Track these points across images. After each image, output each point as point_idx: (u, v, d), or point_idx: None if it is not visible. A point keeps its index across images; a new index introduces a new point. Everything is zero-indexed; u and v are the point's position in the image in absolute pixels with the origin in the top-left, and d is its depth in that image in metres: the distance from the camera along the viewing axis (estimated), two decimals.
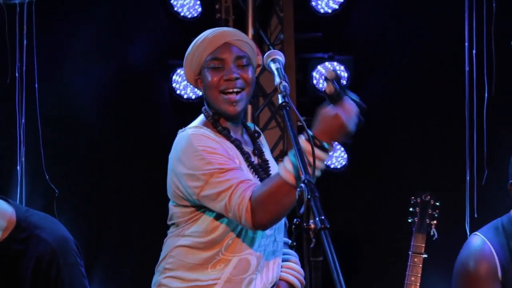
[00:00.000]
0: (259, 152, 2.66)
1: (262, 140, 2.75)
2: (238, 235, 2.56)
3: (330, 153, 2.32)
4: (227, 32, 2.62)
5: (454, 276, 3.05)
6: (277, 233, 2.64)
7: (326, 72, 2.31)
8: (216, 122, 2.60)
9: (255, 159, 2.62)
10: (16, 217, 2.97)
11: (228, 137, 2.59)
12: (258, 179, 2.56)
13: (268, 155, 2.70)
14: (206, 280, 2.57)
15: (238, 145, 2.59)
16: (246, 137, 2.69)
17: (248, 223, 2.41)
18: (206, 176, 2.44)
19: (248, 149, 2.64)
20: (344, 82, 2.39)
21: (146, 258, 4.68)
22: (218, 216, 2.53)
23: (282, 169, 2.34)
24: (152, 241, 4.59)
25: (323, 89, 2.29)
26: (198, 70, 2.60)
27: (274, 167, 2.66)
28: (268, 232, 2.58)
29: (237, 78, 2.55)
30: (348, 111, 2.28)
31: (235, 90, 2.55)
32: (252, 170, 2.58)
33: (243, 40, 2.61)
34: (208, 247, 2.57)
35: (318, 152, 2.26)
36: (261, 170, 2.59)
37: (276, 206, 2.38)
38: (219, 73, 2.56)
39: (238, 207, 2.40)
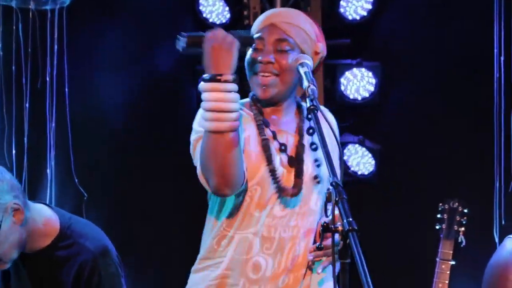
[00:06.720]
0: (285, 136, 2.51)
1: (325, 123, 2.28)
2: (236, 210, 2.47)
3: None
4: (276, 13, 2.56)
5: (485, 279, 3.00)
6: (298, 218, 2.50)
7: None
8: (253, 104, 2.54)
9: (273, 142, 2.49)
10: (60, 224, 2.97)
11: (255, 118, 2.52)
12: (267, 160, 2.46)
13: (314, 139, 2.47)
14: (214, 258, 2.51)
15: (260, 125, 2.50)
16: (289, 117, 2.55)
17: (210, 191, 2.39)
18: (194, 142, 2.46)
19: (281, 131, 2.52)
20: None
21: (172, 263, 4.71)
22: None
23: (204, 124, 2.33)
24: (183, 244, 4.63)
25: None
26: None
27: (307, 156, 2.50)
28: (278, 213, 2.46)
29: (269, 62, 2.46)
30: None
31: (266, 74, 2.47)
32: (263, 151, 2.46)
33: (292, 23, 2.49)
34: (212, 221, 2.52)
35: None
36: (268, 152, 2.46)
37: (215, 162, 2.31)
38: (257, 54, 2.49)
39: (199, 176, 2.40)
